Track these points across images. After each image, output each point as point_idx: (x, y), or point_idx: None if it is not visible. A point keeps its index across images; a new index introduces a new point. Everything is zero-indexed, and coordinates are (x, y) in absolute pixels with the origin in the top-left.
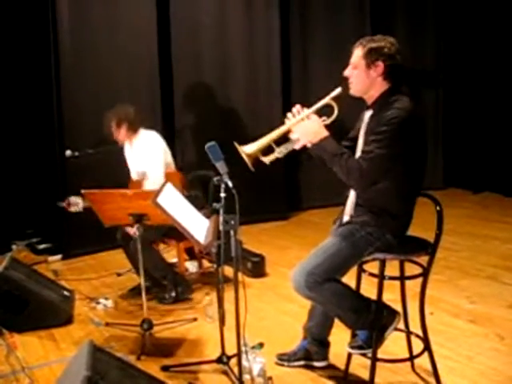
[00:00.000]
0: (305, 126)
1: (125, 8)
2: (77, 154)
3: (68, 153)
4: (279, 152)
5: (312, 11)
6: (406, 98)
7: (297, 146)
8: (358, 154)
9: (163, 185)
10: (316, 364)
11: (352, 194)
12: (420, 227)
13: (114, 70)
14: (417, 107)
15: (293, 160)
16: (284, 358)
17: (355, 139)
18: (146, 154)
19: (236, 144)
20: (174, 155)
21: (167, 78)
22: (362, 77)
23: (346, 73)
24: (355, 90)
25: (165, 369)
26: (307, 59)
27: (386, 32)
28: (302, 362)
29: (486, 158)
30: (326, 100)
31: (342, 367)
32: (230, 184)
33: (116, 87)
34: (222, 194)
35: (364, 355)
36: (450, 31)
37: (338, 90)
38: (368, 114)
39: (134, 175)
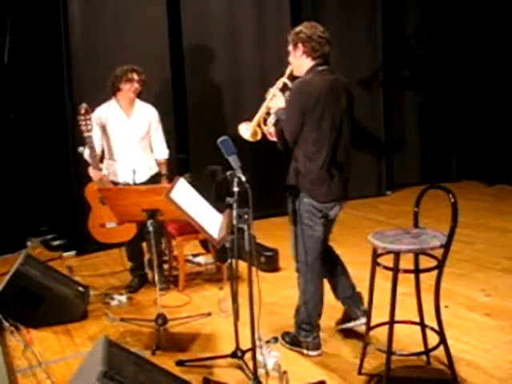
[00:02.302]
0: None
1: (136, 5)
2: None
3: (81, 149)
4: (270, 121)
5: (324, 13)
6: (323, 73)
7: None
8: None
9: (176, 180)
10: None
11: None
12: (434, 220)
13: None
14: (321, 78)
15: None
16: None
17: None
18: (155, 127)
19: (239, 130)
20: (186, 149)
21: (179, 77)
22: (293, 59)
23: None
24: (294, 71)
25: (180, 363)
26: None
27: (397, 33)
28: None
29: (501, 151)
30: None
31: (357, 361)
32: (243, 178)
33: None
34: (236, 189)
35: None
36: (462, 25)
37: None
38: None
39: (126, 145)
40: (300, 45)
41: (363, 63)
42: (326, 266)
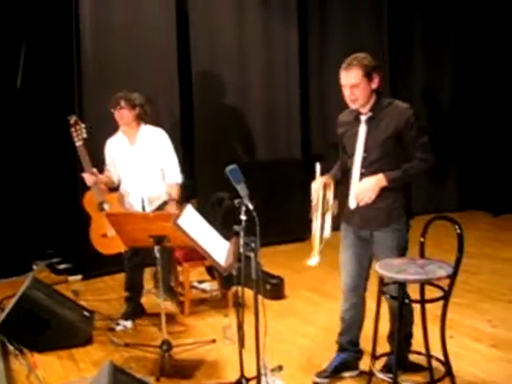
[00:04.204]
0: (362, 192)
1: (144, 8)
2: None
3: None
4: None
5: (330, 16)
6: (392, 98)
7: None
8: (359, 158)
9: (184, 207)
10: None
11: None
12: (438, 249)
13: (135, 79)
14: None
15: (309, 181)
16: (323, 376)
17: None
18: (164, 150)
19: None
20: (192, 175)
21: (186, 83)
22: (367, 91)
23: (348, 95)
24: (361, 104)
25: None
26: (324, 64)
27: (403, 36)
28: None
29: (507, 181)
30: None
31: None
32: (251, 206)
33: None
34: (243, 217)
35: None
36: (468, 39)
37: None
38: (364, 117)
39: (131, 174)
40: (375, 74)
41: None
42: None
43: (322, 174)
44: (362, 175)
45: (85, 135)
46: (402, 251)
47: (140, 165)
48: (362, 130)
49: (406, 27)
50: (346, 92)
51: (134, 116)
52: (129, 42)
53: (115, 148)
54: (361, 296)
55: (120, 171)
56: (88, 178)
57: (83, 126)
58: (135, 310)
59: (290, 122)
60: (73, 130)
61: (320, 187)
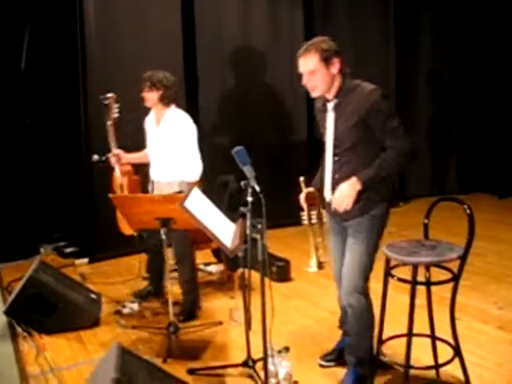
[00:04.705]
0: (339, 201)
1: (150, 10)
2: (104, 158)
3: (95, 157)
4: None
5: (335, 12)
6: (359, 80)
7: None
8: (330, 147)
9: (190, 189)
10: None
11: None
12: (444, 231)
13: (140, 75)
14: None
15: (315, 164)
16: (328, 359)
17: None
18: (183, 140)
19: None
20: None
21: (192, 78)
22: (326, 77)
23: (305, 81)
24: (322, 91)
25: (191, 372)
26: None
27: (410, 31)
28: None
29: None
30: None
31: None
32: (258, 188)
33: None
34: (249, 198)
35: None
36: (471, 32)
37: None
38: (331, 105)
39: (153, 154)
40: (335, 58)
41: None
42: None
43: (307, 185)
44: (335, 163)
45: (116, 115)
46: (374, 238)
47: (158, 148)
48: (330, 117)
49: (412, 13)
50: (305, 79)
51: (158, 98)
52: (133, 25)
53: (147, 126)
54: None
55: (147, 150)
56: (111, 158)
57: (116, 105)
58: (155, 290)
59: (295, 107)
60: (108, 107)
61: (303, 202)
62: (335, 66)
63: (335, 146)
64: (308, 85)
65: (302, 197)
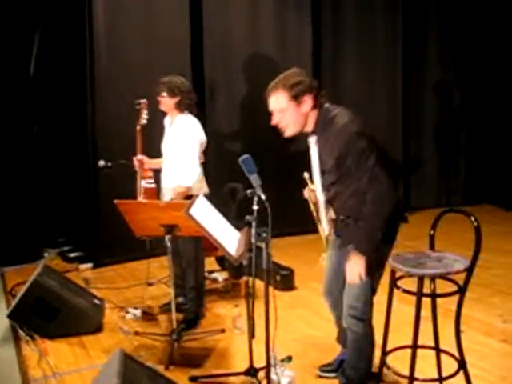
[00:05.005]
0: (352, 278)
1: (159, 16)
2: (110, 164)
3: (101, 163)
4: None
5: (343, 13)
6: (334, 107)
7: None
8: (318, 181)
9: (196, 196)
10: None
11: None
12: (450, 243)
13: (148, 82)
14: (345, 108)
15: None
16: (327, 370)
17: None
18: (182, 144)
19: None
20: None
21: (200, 84)
22: (297, 117)
23: (275, 121)
24: (294, 131)
25: (193, 379)
26: (338, 63)
27: (417, 33)
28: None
29: None
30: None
31: None
32: (263, 197)
33: (149, 99)
34: (255, 207)
35: None
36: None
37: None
38: (312, 139)
39: (163, 158)
40: (305, 96)
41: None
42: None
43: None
44: (327, 197)
45: (144, 121)
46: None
47: (167, 149)
48: (314, 152)
49: (420, 26)
50: (275, 118)
51: (175, 104)
52: (142, 31)
53: (165, 125)
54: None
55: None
56: (135, 162)
57: (146, 111)
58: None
59: None
60: (139, 112)
61: (309, 195)
62: (306, 104)
63: (323, 180)
64: (279, 124)
65: (307, 190)
